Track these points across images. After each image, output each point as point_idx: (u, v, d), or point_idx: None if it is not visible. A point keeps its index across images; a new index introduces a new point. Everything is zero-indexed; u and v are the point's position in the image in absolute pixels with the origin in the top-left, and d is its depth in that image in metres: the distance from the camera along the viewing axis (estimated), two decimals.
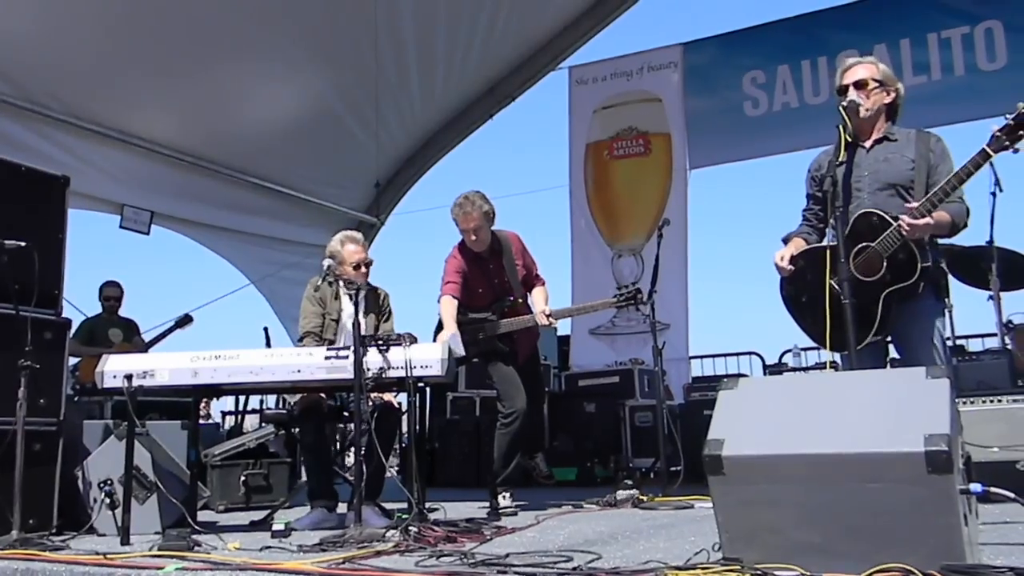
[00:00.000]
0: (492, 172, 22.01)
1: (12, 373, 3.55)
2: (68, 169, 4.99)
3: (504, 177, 22.68)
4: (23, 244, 3.70)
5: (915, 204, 3.17)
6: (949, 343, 5.42)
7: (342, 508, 4.28)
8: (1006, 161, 3.16)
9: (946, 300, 3.40)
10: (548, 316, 4.79)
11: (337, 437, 7.87)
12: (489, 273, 4.83)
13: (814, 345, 7.76)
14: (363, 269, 4.54)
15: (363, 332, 3.65)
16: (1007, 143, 2.99)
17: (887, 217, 3.23)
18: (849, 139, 3.26)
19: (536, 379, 5.19)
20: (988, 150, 3.03)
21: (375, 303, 4.65)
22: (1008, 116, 2.99)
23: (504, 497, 4.76)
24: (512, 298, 4.83)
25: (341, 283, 4.46)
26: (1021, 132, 2.96)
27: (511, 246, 4.88)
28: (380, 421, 4.12)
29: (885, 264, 3.23)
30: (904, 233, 3.17)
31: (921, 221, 3.14)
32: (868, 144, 3.43)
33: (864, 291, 3.19)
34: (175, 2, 6.53)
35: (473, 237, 4.70)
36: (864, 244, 3.26)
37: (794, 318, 3.56)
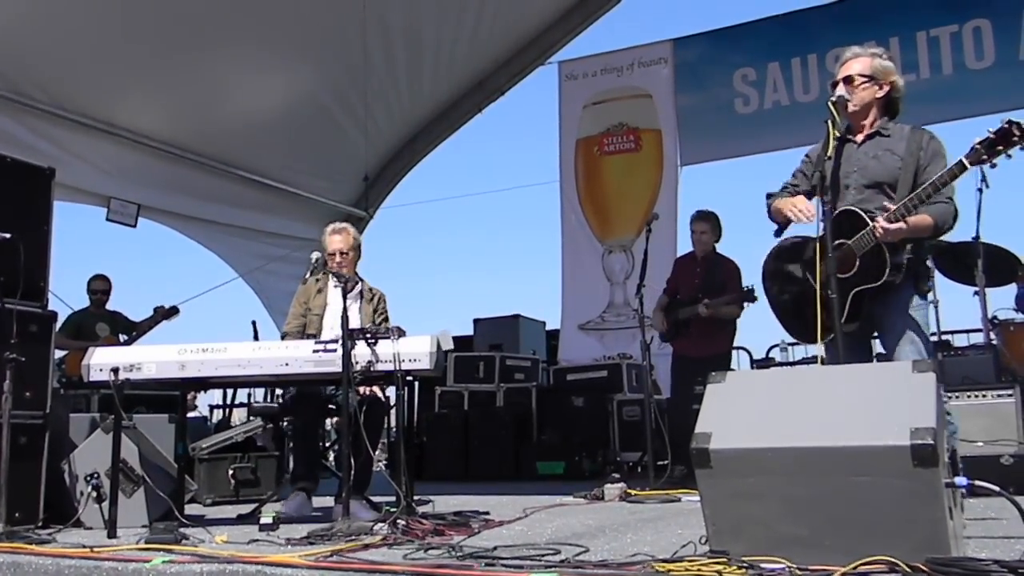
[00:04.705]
0: (482, 167, 22.00)
1: None
2: (54, 161, 4.94)
3: (494, 172, 22.67)
4: (8, 236, 3.67)
5: (892, 208, 3.15)
6: (934, 339, 5.46)
7: (327, 501, 4.27)
8: None
9: (928, 295, 3.38)
10: (706, 307, 5.76)
11: (325, 430, 7.82)
12: (693, 274, 6.02)
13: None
14: (338, 258, 4.52)
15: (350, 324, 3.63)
16: (984, 157, 2.96)
17: (864, 216, 3.23)
18: (838, 135, 3.27)
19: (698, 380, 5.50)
20: (965, 162, 3.01)
21: (366, 297, 4.63)
22: (990, 130, 2.97)
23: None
24: (700, 296, 5.83)
25: (330, 276, 4.47)
26: (1000, 147, 2.93)
27: (723, 266, 5.97)
28: (367, 414, 4.11)
29: (858, 263, 3.24)
30: (877, 236, 3.18)
31: (893, 226, 3.12)
32: (860, 139, 3.42)
33: (838, 286, 3.20)
34: None
35: (697, 238, 6.03)
36: (841, 240, 3.25)
37: (777, 316, 3.58)
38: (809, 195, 3.49)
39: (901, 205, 3.14)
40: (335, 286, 4.51)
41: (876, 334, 3.46)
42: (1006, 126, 2.93)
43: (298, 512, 4.02)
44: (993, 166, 3.06)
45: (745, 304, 5.72)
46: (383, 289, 4.76)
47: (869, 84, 3.37)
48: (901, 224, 3.13)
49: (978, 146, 2.98)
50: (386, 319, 4.67)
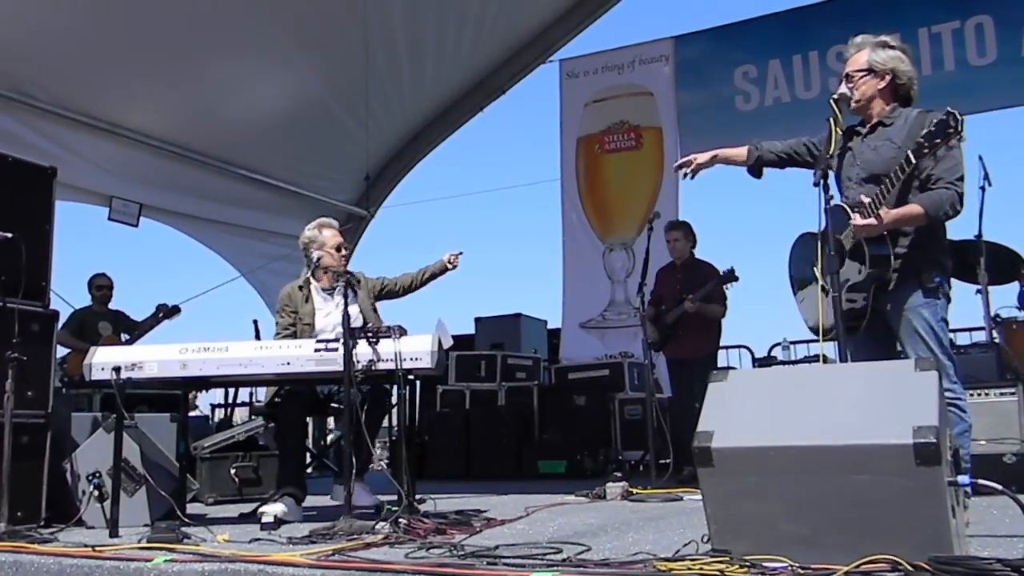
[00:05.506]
0: (483, 165, 21.99)
1: (0, 365, 3.53)
2: (56, 160, 4.94)
3: (495, 171, 22.68)
4: (10, 236, 3.67)
5: (866, 200, 3.10)
6: None
7: (325, 500, 4.25)
8: (995, 156, 3.14)
9: (934, 288, 3.18)
10: (691, 302, 5.89)
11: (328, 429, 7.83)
12: (675, 280, 6.18)
13: (803, 339, 7.85)
14: (343, 252, 4.52)
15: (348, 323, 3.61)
16: (926, 150, 2.96)
17: (849, 211, 3.18)
18: (840, 131, 3.25)
19: (696, 382, 5.38)
20: (911, 156, 2.99)
21: (359, 292, 4.60)
22: (931, 122, 2.96)
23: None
24: (682, 301, 5.96)
25: (313, 283, 4.46)
26: (938, 140, 2.92)
27: (703, 268, 6.12)
28: (372, 400, 4.08)
29: (845, 259, 3.22)
30: (854, 231, 3.15)
31: (862, 222, 3.08)
32: (865, 130, 3.37)
33: (835, 283, 3.18)
34: None
35: (672, 246, 6.22)
36: (838, 237, 3.22)
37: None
38: (797, 163, 3.52)
39: (872, 200, 3.09)
40: (320, 289, 4.50)
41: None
42: (944, 117, 2.91)
43: (282, 518, 3.86)
44: (937, 158, 3.05)
45: (729, 284, 5.93)
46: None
47: (868, 77, 3.32)
48: (871, 220, 3.07)
49: (920, 139, 2.97)
50: (382, 282, 4.66)
